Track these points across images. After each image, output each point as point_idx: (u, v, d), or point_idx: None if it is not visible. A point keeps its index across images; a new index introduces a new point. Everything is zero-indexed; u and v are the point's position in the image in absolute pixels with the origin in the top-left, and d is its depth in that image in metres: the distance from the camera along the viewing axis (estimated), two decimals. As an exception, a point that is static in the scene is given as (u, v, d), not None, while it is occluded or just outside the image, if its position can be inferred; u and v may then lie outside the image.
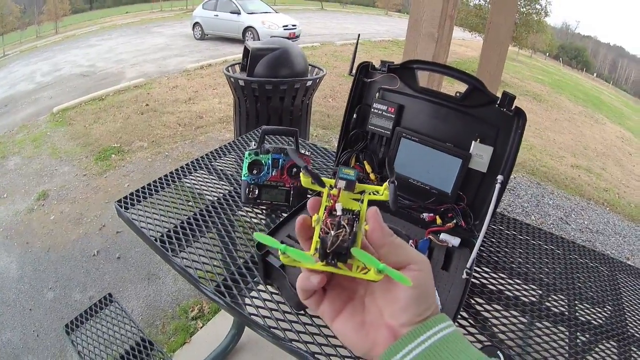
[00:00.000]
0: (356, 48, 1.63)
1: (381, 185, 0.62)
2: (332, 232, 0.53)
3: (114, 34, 20.27)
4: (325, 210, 0.57)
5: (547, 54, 42.50)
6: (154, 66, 12.19)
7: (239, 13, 16.86)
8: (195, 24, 17.89)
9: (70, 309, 3.45)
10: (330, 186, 0.60)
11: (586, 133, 11.47)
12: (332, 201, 0.58)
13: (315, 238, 0.55)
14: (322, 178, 0.61)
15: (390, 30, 24.02)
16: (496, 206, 1.32)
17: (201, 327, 3.14)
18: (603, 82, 55.59)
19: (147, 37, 18.39)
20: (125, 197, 1.76)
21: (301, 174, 0.62)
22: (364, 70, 1.57)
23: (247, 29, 16.46)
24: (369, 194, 0.61)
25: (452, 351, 0.49)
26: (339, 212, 0.57)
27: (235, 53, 13.53)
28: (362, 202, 0.60)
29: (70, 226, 4.58)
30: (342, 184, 0.58)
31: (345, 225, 0.54)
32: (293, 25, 16.81)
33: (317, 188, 0.61)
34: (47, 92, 10.36)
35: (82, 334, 2.22)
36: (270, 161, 1.60)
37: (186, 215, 1.66)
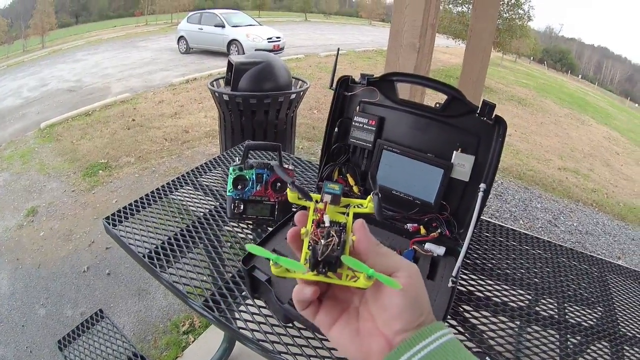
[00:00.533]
0: (336, 62, 1.64)
1: (365, 199, 0.64)
2: (322, 242, 0.54)
3: (99, 49, 20.29)
4: (313, 223, 0.59)
5: (532, 58, 42.76)
6: (139, 81, 12.19)
7: (223, 26, 16.94)
8: (180, 38, 17.94)
9: (62, 325, 3.44)
10: (317, 201, 0.62)
11: (573, 135, 11.54)
12: (319, 214, 0.60)
13: (305, 250, 0.57)
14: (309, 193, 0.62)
15: (374, 40, 24.12)
16: (480, 214, 1.33)
17: (193, 342, 3.13)
18: (588, 83, 55.95)
19: (133, 52, 18.41)
20: (113, 214, 1.77)
21: (288, 189, 0.64)
22: (344, 84, 1.59)
23: (232, 42, 16.50)
24: (354, 207, 0.63)
25: (451, 359, 0.50)
26: (327, 224, 0.58)
27: (220, 66, 13.53)
28: (347, 215, 0.62)
29: (59, 242, 4.57)
30: (328, 198, 0.60)
31: (334, 235, 0.55)
32: (277, 38, 16.85)
33: (304, 203, 0.63)
34: (35, 108, 10.36)
35: (75, 349, 2.22)
36: (254, 176, 1.61)
37: (173, 231, 1.67)
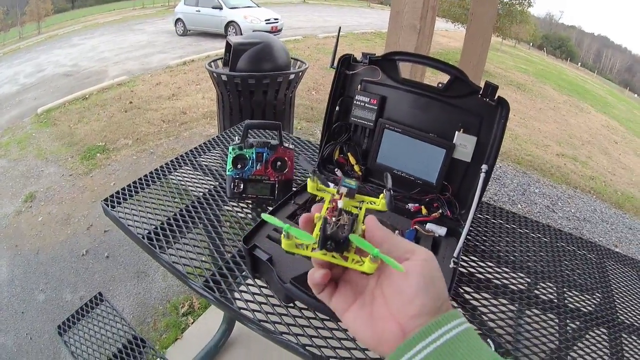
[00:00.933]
0: (337, 41, 1.63)
1: (377, 197, 0.67)
2: (333, 220, 0.57)
3: (96, 33, 20.16)
4: (327, 210, 0.61)
5: (531, 44, 42.77)
6: (136, 63, 12.14)
7: (220, 8, 16.84)
8: (177, 20, 17.86)
9: (62, 310, 3.45)
10: (333, 194, 0.65)
11: (571, 122, 11.54)
12: (334, 203, 0.62)
13: (316, 232, 0.58)
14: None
15: (372, 22, 23.96)
16: (481, 195, 1.33)
17: (192, 323, 3.15)
18: (588, 71, 56.00)
19: (130, 35, 18.31)
20: (112, 196, 1.76)
21: (309, 179, 0.67)
22: (346, 62, 1.58)
23: (230, 23, 16.44)
24: (367, 203, 0.67)
25: (467, 350, 0.49)
26: (340, 206, 0.60)
27: (217, 48, 13.52)
28: (360, 208, 0.65)
29: (58, 227, 4.57)
30: (344, 190, 0.63)
31: (345, 215, 0.58)
32: (275, 19, 16.78)
33: (321, 194, 0.67)
34: (31, 94, 10.31)
35: (75, 334, 2.22)
36: (254, 155, 1.59)
37: (173, 211, 1.66)
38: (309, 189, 0.67)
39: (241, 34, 14.53)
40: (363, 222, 0.60)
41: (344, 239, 0.55)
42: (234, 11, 16.82)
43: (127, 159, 6.04)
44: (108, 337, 2.18)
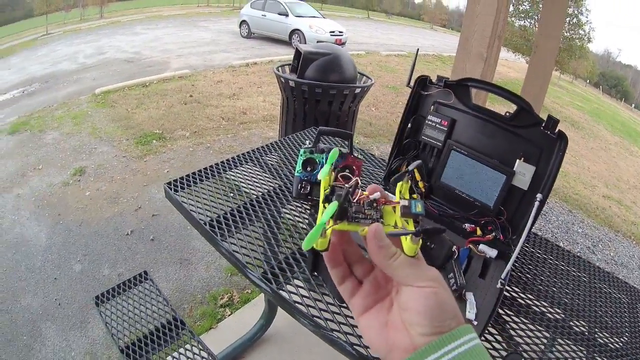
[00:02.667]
0: (414, 61, 1.70)
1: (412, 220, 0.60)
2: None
3: (160, 24, 20.53)
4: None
5: (588, 80, 41.99)
6: (199, 59, 12.35)
7: (286, 15, 16.99)
8: (243, 22, 18.15)
9: (98, 283, 3.52)
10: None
11: (620, 164, 11.33)
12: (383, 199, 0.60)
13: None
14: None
15: (434, 45, 23.92)
16: (534, 223, 1.38)
17: (229, 315, 3.19)
18: (641, 113, 54.69)
19: (194, 31, 18.64)
20: (175, 180, 1.84)
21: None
22: (422, 83, 1.65)
23: (294, 31, 16.58)
24: (396, 226, 0.59)
25: None
26: (373, 197, 0.59)
27: (280, 54, 13.67)
28: (395, 226, 0.59)
29: (105, 204, 4.68)
30: (404, 203, 0.58)
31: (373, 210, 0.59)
32: (340, 32, 16.90)
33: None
34: (90, 74, 10.56)
35: (112, 306, 2.28)
36: (324, 160, 1.63)
37: (236, 203, 1.73)
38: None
39: (305, 43, 14.66)
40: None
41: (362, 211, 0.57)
42: (300, 19, 16.95)
43: (183, 149, 6.13)
44: (147, 314, 2.23)
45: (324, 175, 0.64)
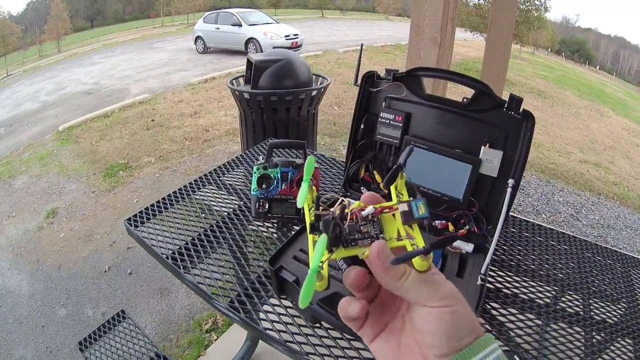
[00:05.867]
0: (359, 58, 1.62)
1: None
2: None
3: (116, 51, 20.56)
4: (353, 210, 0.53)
5: (549, 49, 42.61)
6: (158, 81, 12.30)
7: (240, 25, 17.04)
8: (197, 38, 18.12)
9: (83, 325, 3.46)
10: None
11: (592, 127, 11.45)
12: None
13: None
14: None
15: (391, 34, 24.05)
16: (508, 210, 1.31)
17: (215, 340, 3.14)
18: (606, 74, 55.52)
19: (150, 53, 18.61)
20: (135, 215, 1.77)
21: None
22: (370, 79, 1.58)
23: (249, 40, 16.60)
24: (406, 239, 0.52)
25: None
26: (368, 212, 0.53)
27: (238, 65, 13.62)
28: (400, 238, 0.52)
29: (80, 243, 4.60)
30: (404, 207, 0.52)
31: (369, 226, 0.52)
32: (295, 35, 16.93)
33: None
34: (52, 111, 10.50)
35: (96, 350, 2.22)
36: (279, 175, 1.59)
37: (197, 231, 1.67)
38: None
39: (261, 51, 14.69)
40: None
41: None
42: (254, 28, 17.01)
43: (150, 176, 6.08)
44: (130, 354, 2.17)
45: (302, 200, 0.58)
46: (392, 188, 0.57)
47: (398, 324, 0.53)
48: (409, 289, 0.48)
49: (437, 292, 0.48)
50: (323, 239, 0.49)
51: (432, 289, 0.48)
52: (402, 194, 0.56)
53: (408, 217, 0.51)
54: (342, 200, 0.55)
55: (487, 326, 1.26)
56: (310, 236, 0.54)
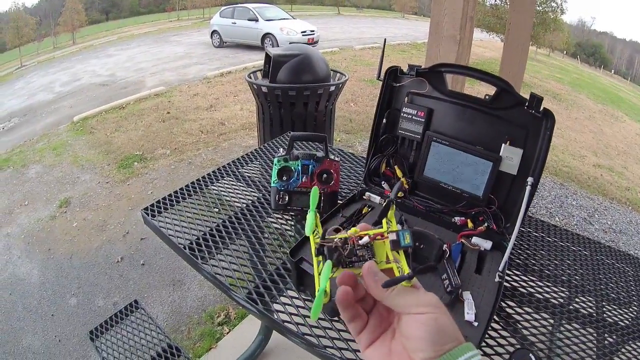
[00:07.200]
0: (382, 53, 1.62)
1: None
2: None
3: (132, 44, 20.55)
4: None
5: (565, 52, 42.29)
6: (174, 74, 12.30)
7: (256, 20, 17.00)
8: (214, 32, 18.10)
9: (94, 315, 3.47)
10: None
11: (607, 131, 11.35)
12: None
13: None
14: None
15: (408, 33, 23.94)
16: (527, 208, 1.31)
17: (227, 333, 3.13)
18: (621, 78, 55.06)
19: (166, 46, 18.61)
20: (152, 205, 1.77)
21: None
22: (393, 74, 1.57)
23: (266, 35, 16.55)
24: (394, 263, 0.62)
25: None
26: (363, 242, 0.63)
27: (254, 60, 13.62)
28: (388, 261, 0.63)
29: (93, 233, 4.61)
30: (392, 237, 0.62)
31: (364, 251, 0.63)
32: (311, 31, 16.87)
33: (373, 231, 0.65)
34: (67, 102, 10.52)
35: (107, 340, 2.23)
36: (300, 167, 1.59)
37: (215, 222, 1.66)
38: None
39: (278, 46, 14.62)
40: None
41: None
42: (270, 23, 16.94)
43: (165, 168, 6.08)
44: (142, 344, 2.18)
45: (309, 229, 0.67)
46: (384, 222, 0.67)
47: (390, 334, 0.60)
48: (395, 298, 0.56)
49: (421, 301, 0.56)
50: (328, 265, 0.59)
51: (415, 297, 0.56)
52: (391, 222, 0.67)
53: (396, 245, 0.61)
54: (346, 238, 0.63)
55: (502, 324, 1.25)
56: (315, 258, 0.64)
